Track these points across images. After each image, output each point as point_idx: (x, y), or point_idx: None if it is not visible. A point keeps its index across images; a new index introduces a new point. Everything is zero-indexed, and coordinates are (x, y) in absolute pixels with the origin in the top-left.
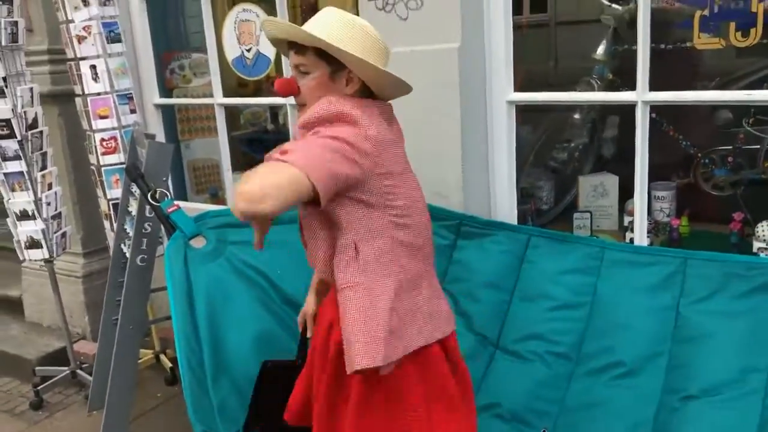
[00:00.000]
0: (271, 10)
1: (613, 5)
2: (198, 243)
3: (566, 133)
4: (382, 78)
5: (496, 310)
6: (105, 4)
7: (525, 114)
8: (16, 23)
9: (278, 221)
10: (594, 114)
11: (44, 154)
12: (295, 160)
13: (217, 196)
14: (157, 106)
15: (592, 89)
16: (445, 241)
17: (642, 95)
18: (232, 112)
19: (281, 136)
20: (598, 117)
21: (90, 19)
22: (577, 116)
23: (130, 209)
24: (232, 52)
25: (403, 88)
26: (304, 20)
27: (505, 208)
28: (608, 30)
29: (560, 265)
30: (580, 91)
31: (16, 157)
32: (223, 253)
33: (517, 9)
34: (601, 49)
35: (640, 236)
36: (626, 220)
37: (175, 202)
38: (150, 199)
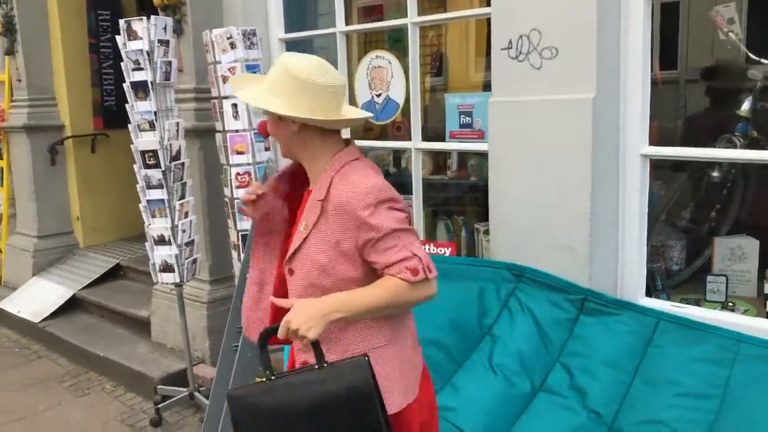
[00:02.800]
0: (403, 57)
1: (763, 60)
2: None
3: (702, 192)
4: (319, 123)
5: (614, 389)
6: (250, 48)
7: (658, 170)
8: (170, 63)
9: None
10: (734, 173)
11: (184, 185)
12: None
13: None
14: None
15: (734, 147)
16: (566, 314)
17: None
18: None
19: (403, 179)
20: (739, 176)
21: (235, 61)
22: (715, 174)
23: None
24: (362, 97)
25: (353, 122)
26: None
27: (634, 265)
28: (755, 86)
29: (690, 352)
30: (720, 148)
31: (159, 186)
32: None
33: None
34: (746, 106)
35: None
36: (767, 287)
37: None
38: None
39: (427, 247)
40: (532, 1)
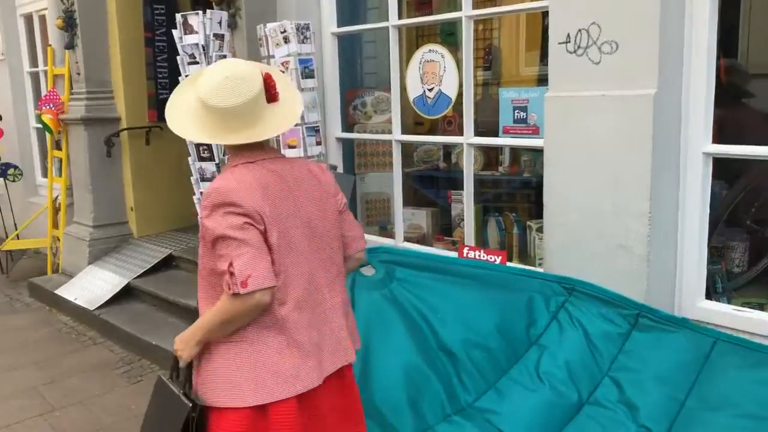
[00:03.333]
0: (455, 51)
1: None
2: (368, 271)
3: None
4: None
5: (667, 406)
6: (303, 42)
7: (720, 168)
8: (224, 56)
9: (451, 273)
10: None
11: None
12: None
13: (386, 229)
14: (339, 139)
15: None
16: (618, 329)
17: None
18: (406, 149)
19: (452, 174)
20: None
21: (289, 55)
22: None
23: None
24: (414, 91)
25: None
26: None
27: (693, 266)
28: None
29: (750, 374)
30: None
31: (212, 179)
32: (388, 286)
33: None
34: None
35: None
36: None
37: None
38: None
39: (476, 253)
40: None
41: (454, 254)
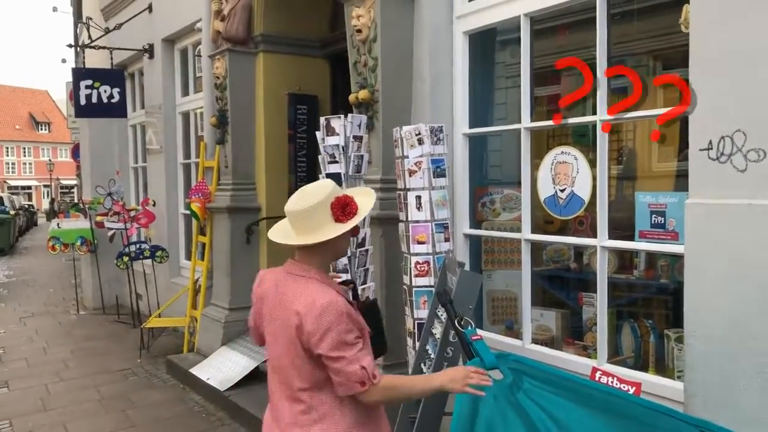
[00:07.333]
0: (588, 152)
1: None
2: (496, 375)
3: None
4: None
5: None
6: (436, 143)
7: None
8: (362, 156)
9: (580, 394)
10: None
11: (366, 270)
12: None
13: (511, 329)
14: (467, 235)
15: None
16: None
17: None
18: (535, 247)
19: (584, 275)
20: None
21: (422, 155)
22: None
23: (433, 331)
24: (545, 191)
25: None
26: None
27: None
28: None
29: None
30: None
31: (344, 271)
32: (515, 394)
33: None
34: None
35: None
36: None
37: (479, 332)
38: (457, 325)
39: (609, 379)
40: (737, 101)
41: (585, 361)
